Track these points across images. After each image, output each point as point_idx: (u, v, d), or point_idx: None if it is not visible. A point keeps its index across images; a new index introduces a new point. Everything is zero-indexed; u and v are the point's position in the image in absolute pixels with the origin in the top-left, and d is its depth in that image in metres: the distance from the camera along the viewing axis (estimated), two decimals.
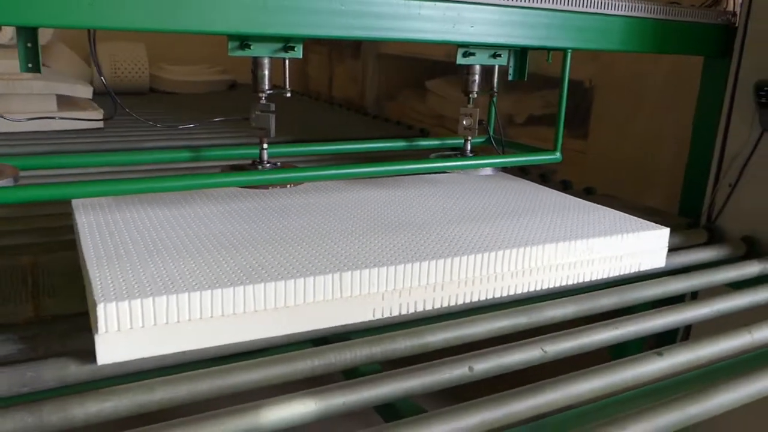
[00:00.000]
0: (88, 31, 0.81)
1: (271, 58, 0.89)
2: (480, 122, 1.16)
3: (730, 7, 1.27)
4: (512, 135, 1.26)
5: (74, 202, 0.93)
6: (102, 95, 2.11)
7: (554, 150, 1.13)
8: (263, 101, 0.91)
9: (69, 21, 0.69)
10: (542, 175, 1.58)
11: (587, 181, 1.54)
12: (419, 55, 2.63)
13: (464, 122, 1.13)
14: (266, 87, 0.90)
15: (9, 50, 1.87)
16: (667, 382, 0.73)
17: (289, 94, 0.92)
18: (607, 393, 0.69)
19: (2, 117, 1.12)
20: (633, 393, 0.71)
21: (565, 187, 1.47)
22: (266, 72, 0.89)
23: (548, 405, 0.64)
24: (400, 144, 1.32)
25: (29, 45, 0.74)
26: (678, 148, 1.47)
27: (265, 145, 0.93)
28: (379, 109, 2.96)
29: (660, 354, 0.73)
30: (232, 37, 0.81)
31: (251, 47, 0.82)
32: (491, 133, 1.28)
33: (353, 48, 3.14)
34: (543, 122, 2.10)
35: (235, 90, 3.32)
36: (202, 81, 3.20)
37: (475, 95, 1.13)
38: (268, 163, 0.94)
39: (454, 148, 1.31)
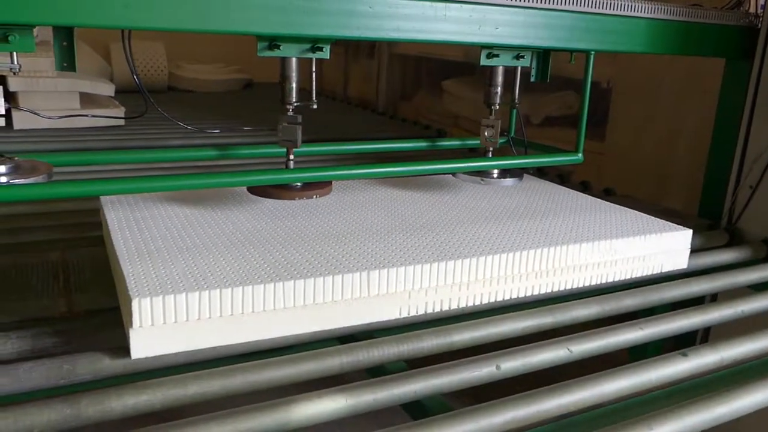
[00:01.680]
0: (122, 31, 0.83)
1: (298, 68, 0.90)
2: (502, 133, 1.17)
3: (753, 9, 1.27)
4: (529, 136, 1.26)
5: (103, 198, 0.94)
6: (121, 93, 2.13)
7: (576, 151, 1.14)
8: (290, 113, 0.92)
9: (104, 21, 0.70)
10: (560, 176, 1.58)
11: (604, 182, 1.54)
12: (435, 56, 2.63)
13: (486, 133, 1.14)
14: (294, 99, 0.91)
15: None
16: (692, 382, 0.74)
17: (315, 106, 0.93)
18: (633, 393, 0.69)
19: (36, 113, 1.14)
20: (658, 393, 0.71)
21: (585, 188, 1.47)
22: (294, 85, 0.90)
23: (576, 404, 0.64)
24: (420, 144, 1.33)
25: (65, 44, 0.76)
26: (697, 150, 1.47)
27: (292, 156, 0.94)
28: (395, 109, 2.96)
29: (685, 354, 0.74)
30: (261, 37, 0.82)
31: (280, 48, 0.83)
32: (512, 134, 1.29)
33: (369, 48, 3.14)
34: (560, 123, 2.10)
35: (250, 89, 3.33)
36: (220, 80, 3.21)
37: (497, 107, 1.14)
38: None
39: (472, 150, 1.32)
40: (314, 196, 0.92)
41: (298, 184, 0.94)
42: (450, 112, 2.59)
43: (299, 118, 0.92)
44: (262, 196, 0.93)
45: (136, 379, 0.61)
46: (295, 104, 0.92)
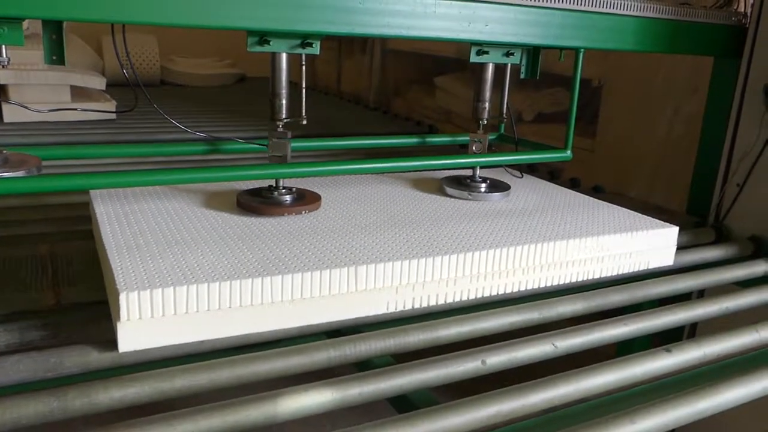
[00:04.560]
0: (112, 25, 0.82)
1: (288, 81, 0.90)
2: (490, 147, 1.17)
3: (741, 8, 1.28)
4: (520, 132, 1.27)
5: (92, 192, 0.94)
6: (113, 86, 2.12)
7: (565, 148, 1.14)
8: (280, 129, 0.92)
9: (94, 15, 0.70)
10: (550, 173, 1.59)
11: (594, 179, 1.55)
12: (428, 52, 2.63)
13: (474, 148, 1.14)
14: (284, 116, 0.91)
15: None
16: (676, 377, 0.75)
17: (305, 122, 0.93)
18: (617, 387, 0.70)
19: (24, 107, 1.13)
20: (642, 388, 0.72)
21: (574, 185, 1.48)
22: (284, 101, 0.90)
23: (561, 398, 0.65)
24: (411, 140, 1.33)
25: (54, 37, 0.76)
26: (686, 148, 1.48)
27: None
28: (388, 105, 2.96)
29: (669, 350, 0.74)
30: (251, 32, 0.82)
31: (270, 43, 0.83)
32: (502, 131, 1.29)
33: (362, 43, 3.14)
34: (552, 120, 2.10)
35: (243, 83, 3.33)
36: (213, 74, 3.21)
37: (485, 122, 1.14)
38: (284, 188, 0.94)
39: (463, 146, 1.32)
40: (303, 212, 0.92)
41: (287, 200, 0.93)
42: (442, 108, 2.59)
43: (289, 134, 0.92)
44: (250, 212, 0.91)
45: (124, 373, 0.62)
46: (285, 120, 0.92)
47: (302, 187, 1.00)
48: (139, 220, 0.86)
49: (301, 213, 0.92)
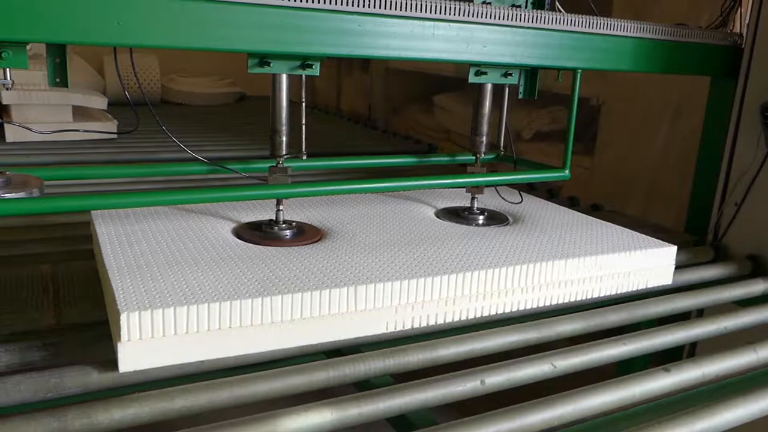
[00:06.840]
0: (114, 48, 0.83)
1: (288, 118, 0.91)
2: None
3: (737, 29, 1.29)
4: (519, 150, 1.27)
5: (93, 212, 0.95)
6: (114, 105, 2.13)
7: (563, 168, 1.15)
8: (281, 165, 0.93)
9: (97, 39, 0.70)
10: (549, 191, 1.59)
11: (593, 197, 1.56)
12: (427, 71, 2.65)
13: None
14: (283, 152, 0.92)
15: None
16: (674, 397, 0.75)
17: (305, 156, 0.94)
18: (616, 408, 0.70)
19: (28, 128, 1.14)
20: (641, 408, 0.72)
21: (573, 203, 1.48)
22: (284, 138, 0.91)
23: (559, 418, 0.65)
24: (411, 160, 1.34)
25: (57, 61, 0.76)
26: (684, 166, 1.49)
27: (282, 207, 0.94)
28: (387, 123, 2.98)
29: (667, 370, 0.75)
30: (252, 54, 0.83)
31: (270, 65, 0.84)
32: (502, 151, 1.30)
33: (361, 61, 3.16)
34: (550, 138, 2.11)
35: (243, 102, 3.35)
36: (213, 93, 3.22)
37: (482, 155, 1.14)
38: (284, 223, 0.94)
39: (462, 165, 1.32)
40: (305, 245, 0.91)
41: (288, 234, 0.93)
42: (441, 126, 2.61)
43: (289, 170, 0.92)
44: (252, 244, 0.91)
45: (124, 393, 0.62)
46: (285, 156, 0.92)
47: (302, 221, 0.99)
48: (140, 240, 0.86)
49: (303, 246, 0.91)
